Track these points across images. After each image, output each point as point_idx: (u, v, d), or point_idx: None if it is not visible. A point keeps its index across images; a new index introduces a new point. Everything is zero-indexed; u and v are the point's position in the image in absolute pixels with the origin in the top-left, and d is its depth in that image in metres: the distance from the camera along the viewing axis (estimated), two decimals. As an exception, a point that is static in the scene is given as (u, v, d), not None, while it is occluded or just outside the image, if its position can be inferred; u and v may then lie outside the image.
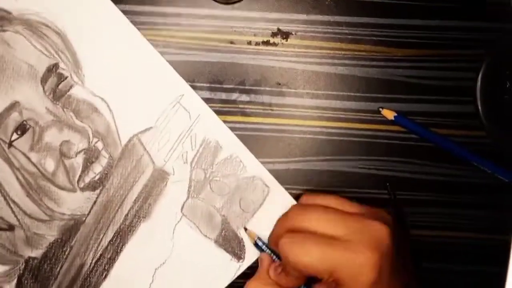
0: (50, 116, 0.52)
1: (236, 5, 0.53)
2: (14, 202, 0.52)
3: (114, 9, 0.52)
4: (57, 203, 0.52)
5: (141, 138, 0.53)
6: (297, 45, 0.53)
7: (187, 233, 0.53)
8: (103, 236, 0.52)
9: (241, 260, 0.53)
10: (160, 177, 0.53)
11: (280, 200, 0.53)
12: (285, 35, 0.53)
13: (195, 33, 0.53)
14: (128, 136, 0.53)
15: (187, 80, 0.53)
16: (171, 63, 0.53)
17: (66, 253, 0.52)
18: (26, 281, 0.52)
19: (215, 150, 0.53)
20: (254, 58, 0.53)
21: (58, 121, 0.52)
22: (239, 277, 0.53)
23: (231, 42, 0.53)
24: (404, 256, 0.49)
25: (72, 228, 0.52)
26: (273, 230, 0.51)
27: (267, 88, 0.53)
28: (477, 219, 0.54)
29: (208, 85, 0.53)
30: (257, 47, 0.53)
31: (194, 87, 0.53)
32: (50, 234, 0.52)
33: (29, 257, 0.52)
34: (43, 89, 0.52)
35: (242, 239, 0.53)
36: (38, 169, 0.52)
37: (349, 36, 0.53)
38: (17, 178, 0.52)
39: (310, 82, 0.54)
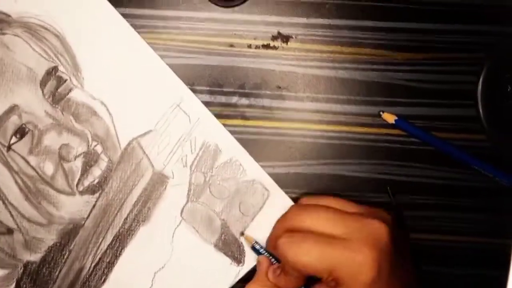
0: (49, 119, 0.52)
1: (236, 8, 0.53)
2: (12, 205, 0.52)
3: (114, 12, 0.52)
4: (56, 206, 0.52)
5: (141, 141, 0.53)
6: (297, 48, 0.53)
7: (186, 237, 0.52)
8: (102, 240, 0.52)
9: (240, 264, 0.53)
10: (159, 181, 0.53)
11: (280, 204, 0.52)
12: (285, 38, 0.53)
13: (195, 37, 0.53)
14: (127, 139, 0.52)
15: (187, 84, 0.53)
16: (171, 66, 0.53)
17: (65, 257, 0.52)
18: (24, 285, 0.52)
19: (215, 154, 0.53)
20: (254, 62, 0.53)
21: (57, 125, 0.52)
22: (239, 281, 0.52)
23: (231, 46, 0.53)
24: (404, 257, 0.48)
25: (71, 232, 0.52)
26: (272, 232, 0.51)
27: (267, 92, 0.53)
28: (477, 222, 0.54)
29: (208, 88, 0.53)
30: (257, 50, 0.53)
31: (194, 91, 0.53)
32: (49, 238, 0.52)
33: (28, 261, 0.52)
34: (43, 92, 0.52)
35: (241, 243, 0.53)
36: (37, 172, 0.52)
37: (350, 40, 0.53)
38: (16, 182, 0.52)
39: (310, 85, 0.53)
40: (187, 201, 0.53)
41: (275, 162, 0.53)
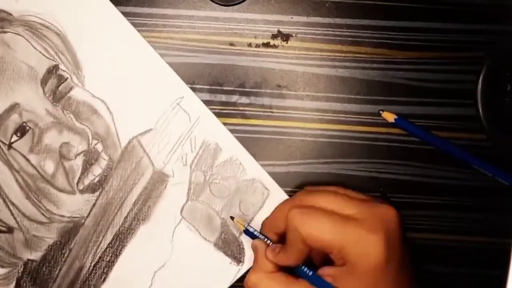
0: (50, 118, 0.52)
1: (236, 7, 0.53)
2: (13, 204, 0.52)
3: (115, 11, 0.52)
4: (57, 205, 0.52)
5: (141, 140, 0.53)
6: (298, 47, 0.53)
7: (186, 236, 0.52)
8: (102, 238, 0.52)
9: (240, 263, 0.53)
10: (159, 180, 0.53)
11: (280, 203, 0.52)
12: (286, 37, 0.53)
13: (195, 35, 0.53)
14: (127, 138, 0.53)
15: (187, 82, 0.53)
16: (171, 65, 0.53)
17: (65, 255, 0.52)
18: (24, 284, 0.52)
19: (215, 153, 0.53)
20: (254, 60, 0.53)
21: (58, 123, 0.52)
22: (239, 280, 0.52)
23: (231, 44, 0.53)
24: (406, 253, 0.48)
25: (71, 230, 0.52)
26: (275, 211, 0.50)
27: (267, 90, 0.53)
28: (478, 222, 0.54)
29: (208, 87, 0.53)
30: (257, 49, 0.53)
31: (194, 89, 0.53)
32: (49, 236, 0.52)
33: (28, 260, 0.52)
34: (43, 90, 0.52)
35: (241, 242, 0.52)
36: (37, 171, 0.52)
37: (350, 38, 0.53)
38: (17, 180, 0.52)
39: (311, 84, 0.53)
40: (187, 200, 0.53)
41: (275, 161, 0.53)
